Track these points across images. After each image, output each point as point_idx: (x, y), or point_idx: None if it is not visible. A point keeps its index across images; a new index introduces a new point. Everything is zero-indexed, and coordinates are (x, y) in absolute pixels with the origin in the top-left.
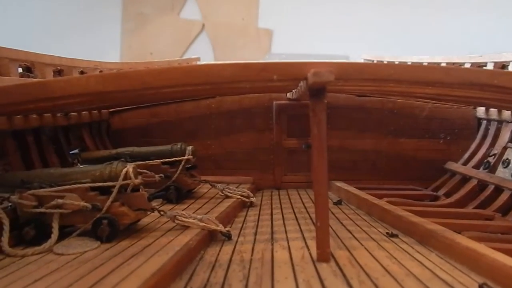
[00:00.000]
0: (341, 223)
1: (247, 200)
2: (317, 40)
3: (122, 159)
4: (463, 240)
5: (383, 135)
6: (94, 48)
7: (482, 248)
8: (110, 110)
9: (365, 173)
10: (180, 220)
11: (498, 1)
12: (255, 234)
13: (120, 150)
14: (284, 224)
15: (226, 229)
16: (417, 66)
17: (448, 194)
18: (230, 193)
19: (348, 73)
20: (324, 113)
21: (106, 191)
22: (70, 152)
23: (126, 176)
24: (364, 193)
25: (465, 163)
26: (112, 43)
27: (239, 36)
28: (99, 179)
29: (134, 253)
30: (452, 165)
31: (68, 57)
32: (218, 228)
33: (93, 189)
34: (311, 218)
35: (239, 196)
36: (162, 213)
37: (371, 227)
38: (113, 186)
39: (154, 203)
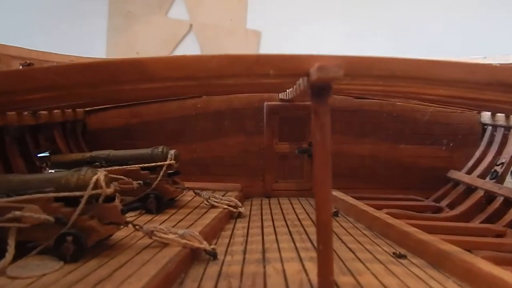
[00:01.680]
0: (341, 239)
1: (234, 210)
2: (306, 42)
3: (97, 163)
4: (484, 265)
5: (382, 140)
6: (79, 46)
7: (507, 276)
8: (86, 108)
9: (363, 181)
10: (158, 237)
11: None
12: (244, 252)
13: (95, 153)
14: (276, 239)
15: (211, 246)
16: (438, 62)
17: (451, 206)
18: (216, 202)
19: (358, 68)
20: (328, 116)
21: (73, 202)
22: (38, 155)
23: (97, 185)
24: (363, 204)
25: (469, 172)
26: (98, 42)
27: (227, 37)
28: (65, 188)
29: (101, 278)
30: (455, 174)
31: (39, 50)
32: (202, 245)
33: (57, 199)
34: (306, 233)
35: (226, 206)
36: (137, 227)
37: (374, 244)
38: (81, 196)
39: (131, 214)
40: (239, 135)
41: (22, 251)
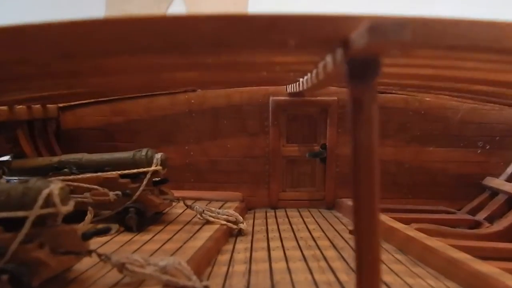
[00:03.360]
0: None
1: (234, 226)
2: None
3: (66, 169)
4: None
5: (407, 142)
6: None
7: None
8: (60, 104)
9: (384, 189)
10: (131, 271)
11: None
12: None
13: (64, 157)
14: (288, 269)
15: (203, 283)
16: None
17: (490, 219)
18: (212, 217)
19: (428, 33)
20: (375, 106)
21: (17, 224)
22: None
23: (49, 201)
24: (390, 218)
25: (509, 179)
26: None
27: None
28: (5, 206)
29: None
30: (493, 182)
31: None
32: (190, 283)
33: None
34: (325, 259)
35: (224, 222)
36: (103, 258)
37: (415, 276)
38: (26, 218)
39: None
40: (240, 136)
41: None
